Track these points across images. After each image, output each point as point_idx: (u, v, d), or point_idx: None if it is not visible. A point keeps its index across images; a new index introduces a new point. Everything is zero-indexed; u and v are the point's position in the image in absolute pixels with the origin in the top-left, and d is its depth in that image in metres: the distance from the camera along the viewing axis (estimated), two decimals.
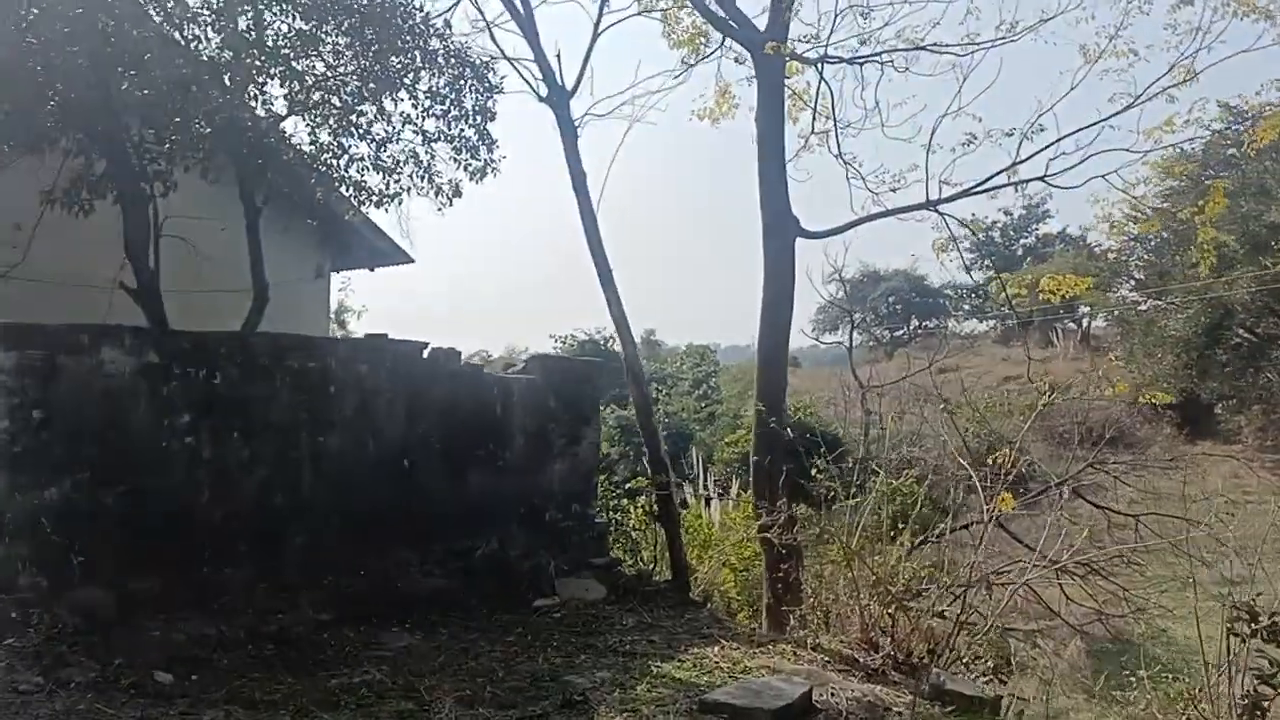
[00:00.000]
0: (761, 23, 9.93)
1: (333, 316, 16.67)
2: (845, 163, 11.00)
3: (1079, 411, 37.34)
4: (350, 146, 8.20)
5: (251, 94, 8.02)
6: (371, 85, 8.05)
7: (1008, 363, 43.43)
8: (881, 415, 36.19)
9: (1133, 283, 42.31)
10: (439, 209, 8.04)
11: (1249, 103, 10.87)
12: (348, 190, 8.61)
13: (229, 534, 6.50)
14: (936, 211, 10.04)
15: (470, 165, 8.35)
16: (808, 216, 10.98)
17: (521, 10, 8.31)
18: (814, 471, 9.11)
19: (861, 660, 6.07)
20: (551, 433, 8.51)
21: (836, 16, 10.80)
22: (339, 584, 6.90)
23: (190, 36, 7.91)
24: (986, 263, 51.49)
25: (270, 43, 7.97)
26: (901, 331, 51.66)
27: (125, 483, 6.15)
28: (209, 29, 8.00)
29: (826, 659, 6.17)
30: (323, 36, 8.01)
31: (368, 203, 8.61)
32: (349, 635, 6.42)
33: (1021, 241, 49.97)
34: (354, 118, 8.18)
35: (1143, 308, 36.12)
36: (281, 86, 8.09)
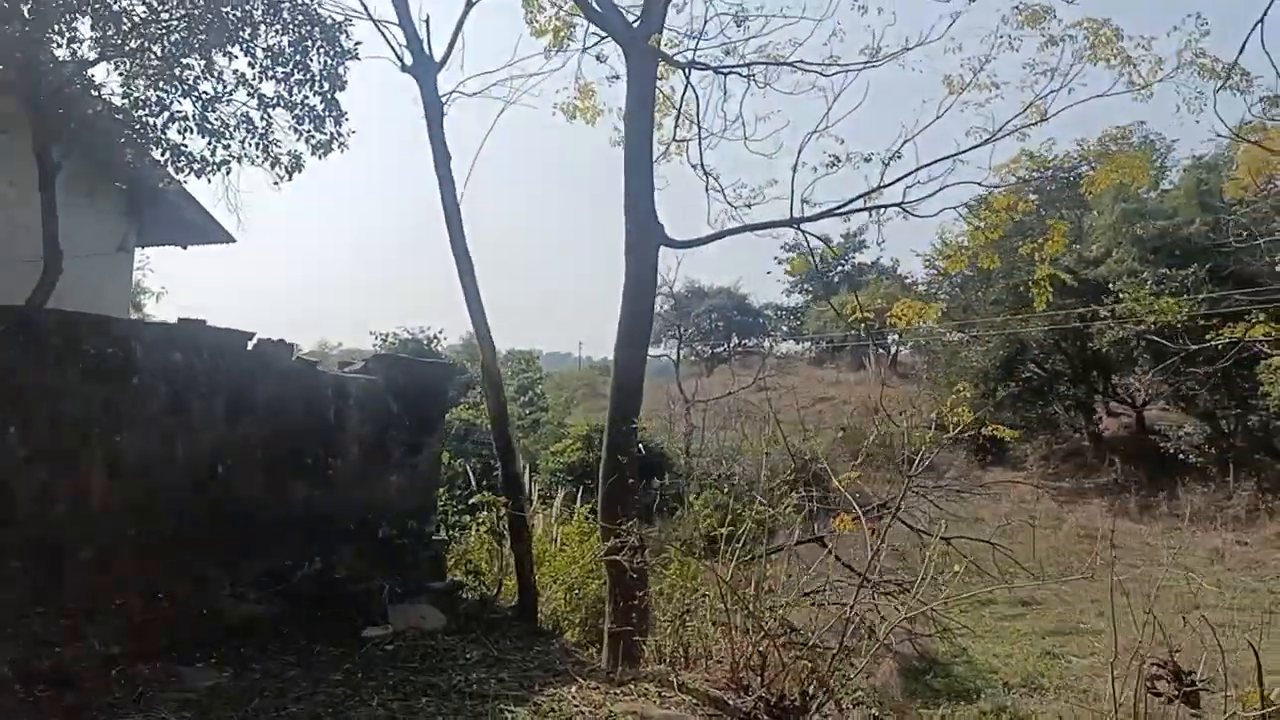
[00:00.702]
0: (634, 20, 9.50)
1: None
2: (706, 174, 10.75)
3: (886, 435, 39.02)
4: (171, 103, 7.14)
5: (56, 32, 6.85)
6: (201, 36, 7.04)
7: (821, 383, 45.21)
8: (702, 430, 36.64)
9: (938, 314, 44.84)
10: (275, 183, 7.11)
11: (1088, 146, 11.35)
12: (163, 154, 7.54)
13: None
14: (799, 229, 9.90)
15: (313, 138, 7.46)
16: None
17: None
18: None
19: (732, 703, 5.66)
20: (391, 440, 7.70)
21: (707, 21, 10.54)
22: (133, 610, 5.88)
23: None
24: (807, 286, 53.67)
25: None
26: (722, 348, 52.79)
27: None
28: None
29: (695, 700, 5.73)
30: None
31: (186, 169, 7.57)
32: (144, 672, 5.45)
33: (840, 268, 52.15)
34: (177, 71, 7.14)
35: (948, 338, 38.31)
36: (93, 29, 6.97)
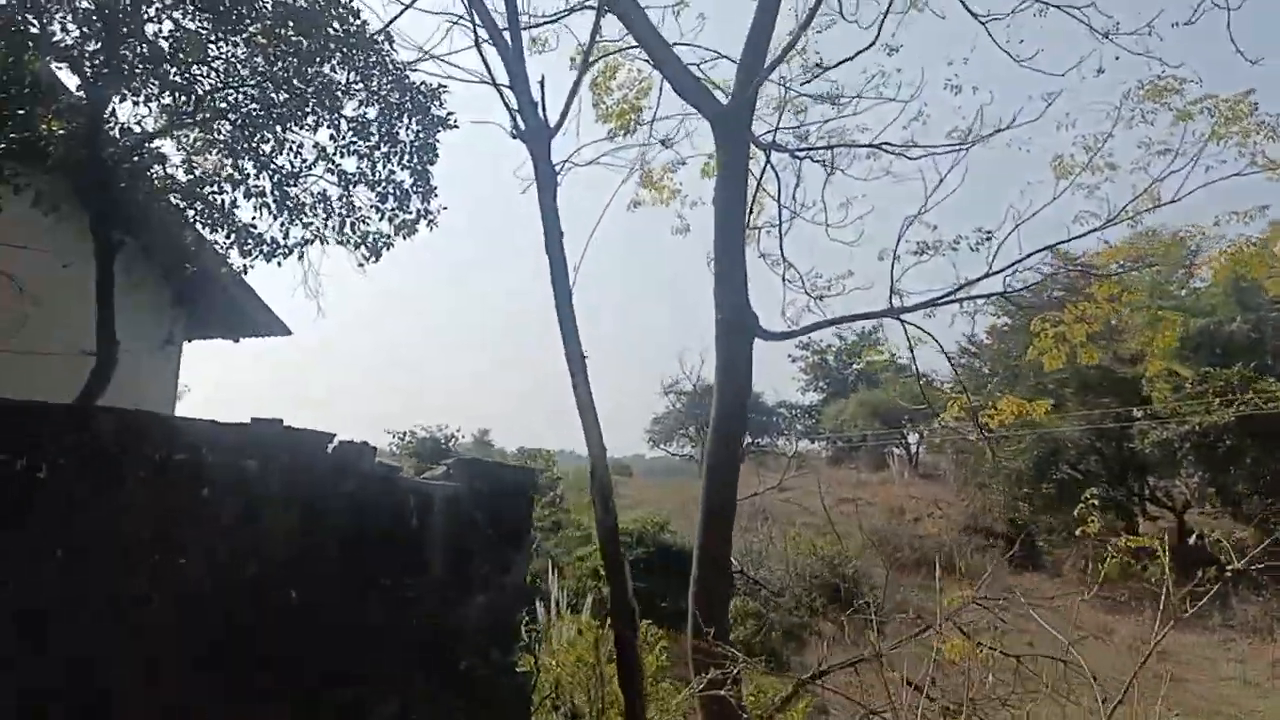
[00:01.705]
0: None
1: None
2: (786, 262, 10.11)
3: (912, 538, 37.85)
4: (244, 179, 6.46)
5: (120, 99, 6.22)
6: (279, 108, 6.40)
7: (842, 484, 44.11)
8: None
9: (960, 414, 44.01)
10: (360, 264, 6.37)
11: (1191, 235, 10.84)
12: (228, 236, 6.81)
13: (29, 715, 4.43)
14: (900, 320, 9.18)
15: (396, 216, 6.76)
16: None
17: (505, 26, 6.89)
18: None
19: None
20: (475, 556, 6.78)
21: (785, 103, 10.05)
22: None
23: (36, 21, 6.08)
24: (821, 384, 53.07)
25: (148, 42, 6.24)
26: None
27: None
28: (66, 16, 6.18)
29: None
30: (220, 40, 6.33)
31: (255, 252, 6.83)
32: None
33: (854, 367, 51.63)
34: (252, 144, 6.47)
35: (973, 438, 37.39)
36: (161, 96, 6.34)
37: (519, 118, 6.87)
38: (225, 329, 9.47)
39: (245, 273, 7.07)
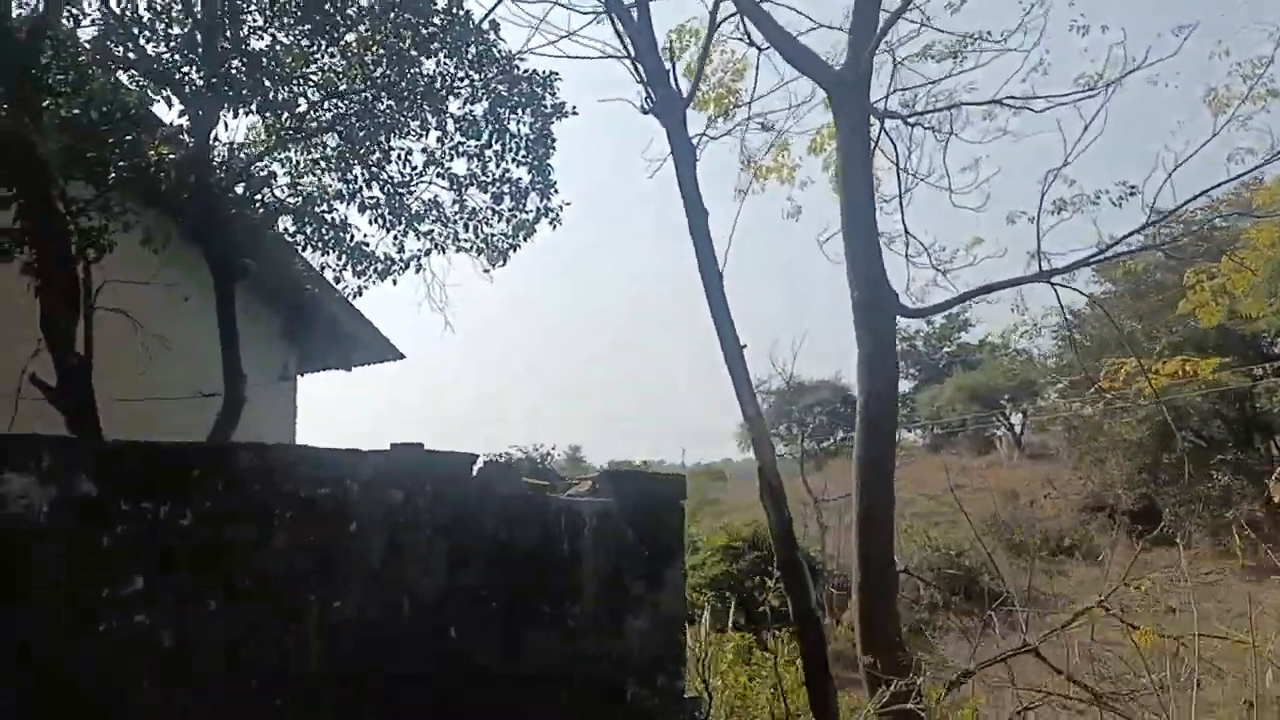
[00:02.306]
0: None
1: None
2: (910, 235, 9.42)
3: (1031, 521, 36.32)
4: (353, 194, 6.10)
5: (224, 123, 5.90)
6: (385, 113, 6.01)
7: (944, 470, 42.67)
8: (838, 530, 34.36)
9: (1061, 386, 42.43)
10: (486, 270, 5.93)
11: None
12: (340, 257, 6.45)
13: None
14: (1050, 284, 8.43)
15: (514, 217, 6.32)
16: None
17: None
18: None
19: None
20: (629, 576, 6.28)
21: (895, 68, 9.37)
22: None
23: (134, 47, 5.79)
24: (912, 372, 51.58)
25: (249, 57, 5.91)
26: (828, 442, 50.75)
27: (40, 702, 3.74)
28: (161, 40, 5.88)
29: None
30: (318, 51, 5.97)
31: (370, 272, 6.46)
32: None
33: (944, 350, 50.10)
34: (359, 156, 6.11)
35: (1087, 411, 35.75)
36: (264, 114, 6.01)
37: (649, 90, 6.37)
38: (337, 358, 9.18)
39: (359, 294, 6.74)
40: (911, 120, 9.69)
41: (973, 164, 9.77)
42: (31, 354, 4.85)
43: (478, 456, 5.55)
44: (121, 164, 5.40)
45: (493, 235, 6.22)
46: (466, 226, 6.22)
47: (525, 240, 6.21)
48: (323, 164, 6.14)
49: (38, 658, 3.78)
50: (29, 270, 5.41)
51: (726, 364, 6.06)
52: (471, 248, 6.24)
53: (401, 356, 8.98)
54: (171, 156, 5.52)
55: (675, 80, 6.48)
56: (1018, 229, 9.49)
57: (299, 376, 9.17)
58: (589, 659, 5.95)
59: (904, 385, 51.73)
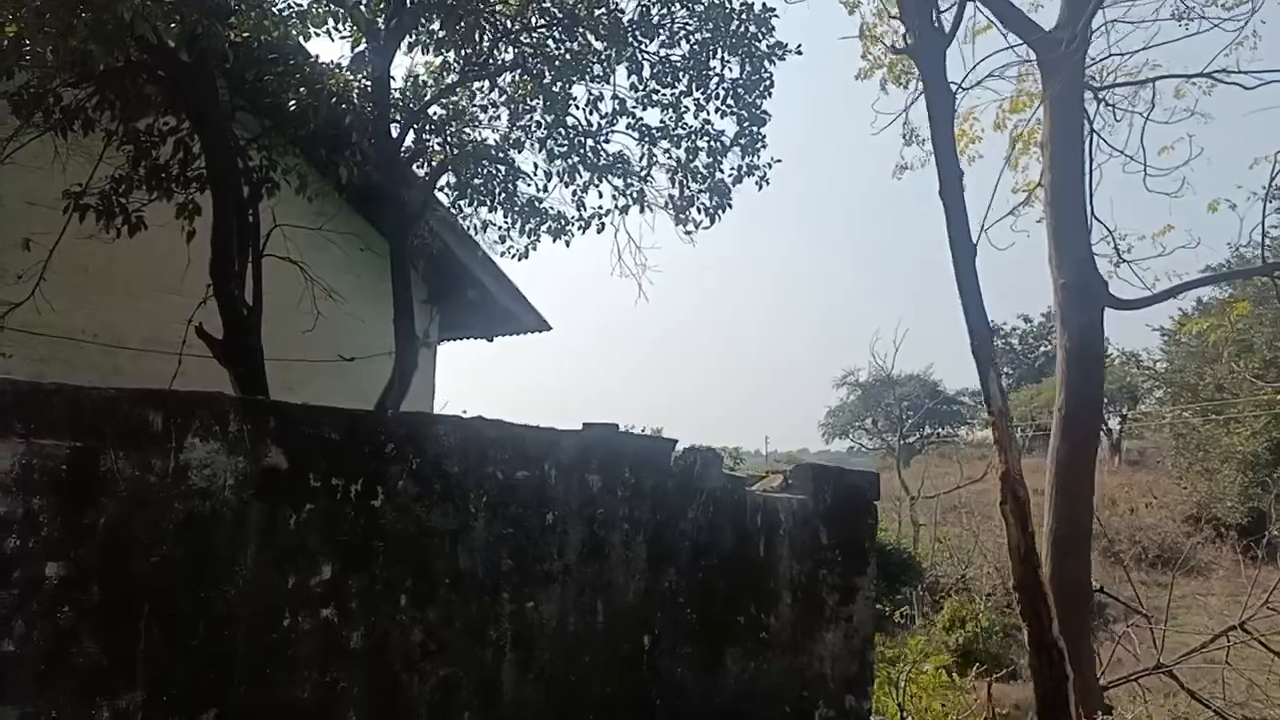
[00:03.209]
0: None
1: None
2: (1096, 219, 8.43)
3: (1133, 530, 34.71)
4: (540, 138, 5.42)
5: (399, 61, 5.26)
6: (576, 53, 5.32)
7: (1038, 474, 41.10)
8: (931, 526, 33.18)
9: (1161, 393, 40.54)
10: (688, 233, 5.22)
11: None
12: (509, 216, 5.78)
13: None
14: (1274, 278, 7.42)
15: (709, 176, 5.58)
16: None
17: None
18: None
19: None
20: (823, 585, 5.55)
21: (1094, 32, 8.39)
22: None
23: None
24: (1007, 370, 49.83)
25: None
26: (915, 438, 49.36)
27: (213, 702, 3.15)
28: None
29: None
30: None
31: (537, 231, 5.79)
32: None
33: (1040, 349, 48.25)
34: (538, 101, 5.42)
35: (1195, 420, 33.95)
36: (441, 52, 5.36)
37: (908, 26, 5.57)
38: (481, 327, 8.54)
39: (525, 256, 6.08)
40: (1103, 94, 8.70)
41: (1169, 145, 8.71)
42: (198, 303, 4.30)
43: (676, 442, 4.86)
44: (288, 98, 4.82)
45: (694, 193, 5.49)
46: (667, 185, 5.50)
47: (723, 204, 5.46)
48: (500, 108, 5.50)
49: (219, 653, 3.19)
50: (184, 211, 4.86)
51: (973, 350, 5.26)
52: (667, 205, 5.53)
53: (548, 328, 8.31)
54: (345, 93, 4.92)
55: (938, 18, 5.65)
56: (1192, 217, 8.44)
57: (438, 344, 8.55)
58: (781, 678, 5.24)
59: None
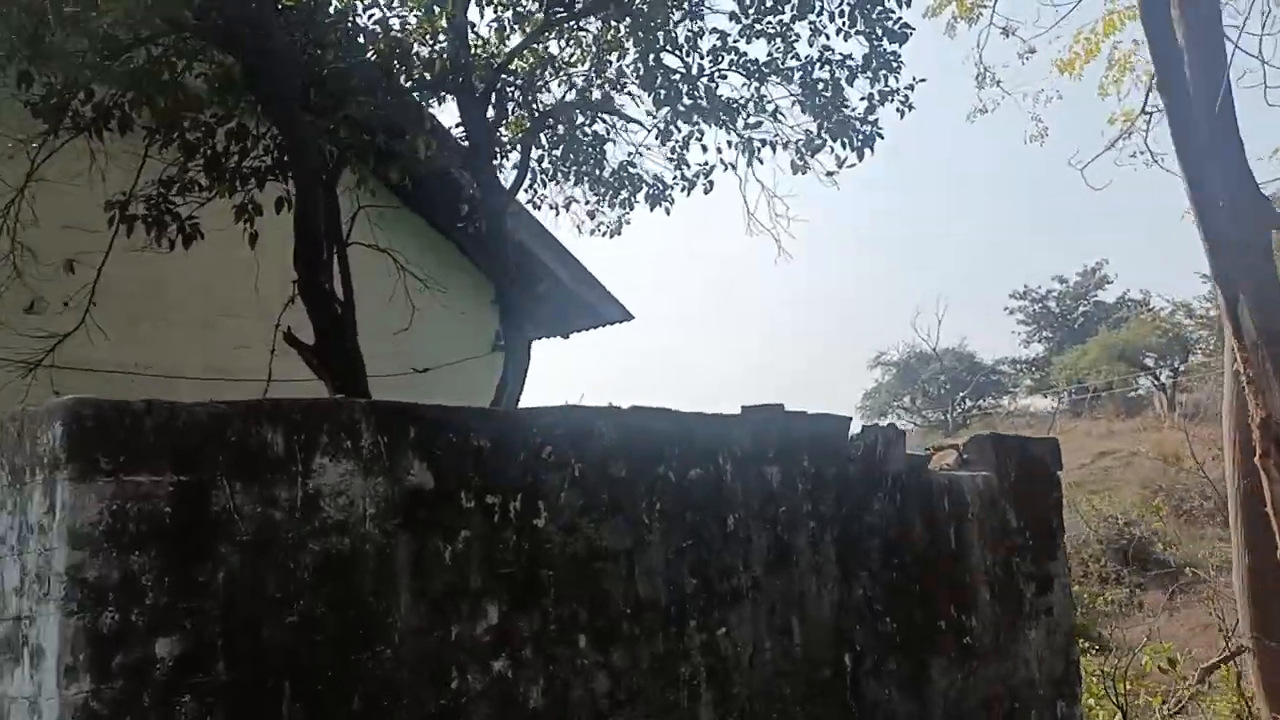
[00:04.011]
0: None
1: None
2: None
3: (1203, 485, 33.56)
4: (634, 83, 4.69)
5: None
6: None
7: (1091, 436, 39.91)
8: None
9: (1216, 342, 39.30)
10: (830, 174, 4.46)
11: None
12: (595, 188, 5.06)
13: None
14: None
15: (833, 112, 4.80)
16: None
17: None
18: None
19: None
20: (1018, 573, 4.77)
21: None
22: None
23: None
24: (1045, 335, 48.59)
25: None
26: (956, 412, 48.22)
27: None
28: None
29: None
30: None
31: (632, 200, 5.05)
32: None
33: (1080, 310, 47.01)
34: (637, 43, 4.69)
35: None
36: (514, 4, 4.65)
37: None
38: (553, 324, 7.74)
39: (618, 232, 5.34)
40: None
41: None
42: (285, 303, 3.63)
43: (850, 419, 4.10)
44: (352, 59, 4.13)
45: (814, 132, 4.74)
46: (782, 132, 4.74)
47: (854, 140, 4.68)
48: (585, 62, 4.77)
49: None
50: (244, 213, 4.18)
51: (1214, 272, 4.46)
52: (793, 145, 4.75)
53: (629, 318, 7.54)
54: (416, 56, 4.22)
55: None
56: None
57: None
58: (988, 686, 4.46)
59: (1037, 349, 48.83)
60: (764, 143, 4.82)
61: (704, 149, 4.90)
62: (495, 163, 4.81)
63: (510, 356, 4.33)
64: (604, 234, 5.30)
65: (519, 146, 4.76)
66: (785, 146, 4.83)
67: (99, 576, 2.08)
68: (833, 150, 4.68)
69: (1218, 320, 39.78)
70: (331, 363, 3.62)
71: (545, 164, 5.15)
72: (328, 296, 3.60)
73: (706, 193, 4.94)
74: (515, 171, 5.29)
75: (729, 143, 4.81)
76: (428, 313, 6.16)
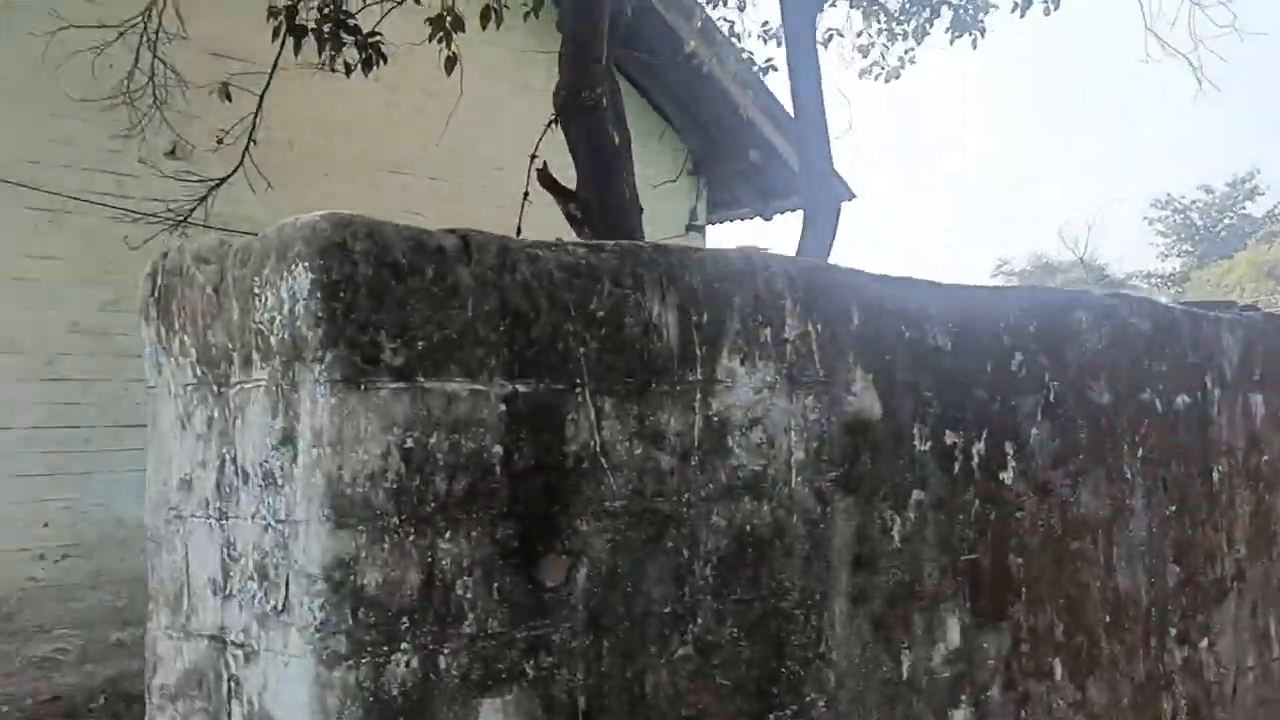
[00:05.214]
0: None
1: None
2: None
3: None
4: None
5: None
6: None
7: None
8: None
9: None
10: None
11: None
12: (867, 19, 3.74)
13: None
14: None
15: None
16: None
17: None
18: None
19: None
20: None
21: None
22: None
23: None
24: (1185, 248, 45.09)
25: None
26: None
27: None
28: None
29: None
30: None
31: (927, 25, 3.72)
32: None
33: (1225, 223, 43.40)
34: None
35: None
36: None
37: None
38: (757, 202, 6.50)
39: (897, 75, 4.04)
40: None
41: None
42: (539, 136, 2.53)
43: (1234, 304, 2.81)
44: None
45: None
46: None
47: None
48: None
49: None
50: (440, 28, 3.01)
51: None
52: None
53: (851, 196, 6.19)
54: None
55: None
56: None
57: (706, 227, 6.50)
58: None
59: (1176, 263, 45.49)
60: None
61: None
62: None
63: (809, 226, 3.13)
64: (876, 77, 4.03)
65: None
66: None
67: (381, 586, 1.00)
68: None
69: None
70: (605, 214, 2.52)
71: None
72: (599, 120, 2.48)
73: (1048, 13, 3.59)
74: None
75: None
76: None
